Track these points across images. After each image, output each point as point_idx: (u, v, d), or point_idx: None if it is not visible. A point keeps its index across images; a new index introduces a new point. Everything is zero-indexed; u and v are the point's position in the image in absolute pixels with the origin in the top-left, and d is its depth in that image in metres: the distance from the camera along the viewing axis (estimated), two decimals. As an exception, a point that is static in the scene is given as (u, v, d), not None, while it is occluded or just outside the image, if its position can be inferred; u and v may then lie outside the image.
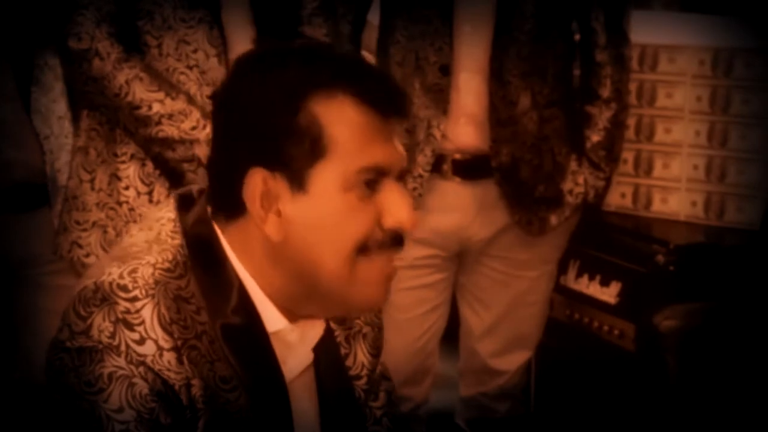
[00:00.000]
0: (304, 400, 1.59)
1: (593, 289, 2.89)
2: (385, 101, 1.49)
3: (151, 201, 2.37)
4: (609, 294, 2.85)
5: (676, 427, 2.67)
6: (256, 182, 1.46)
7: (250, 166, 1.46)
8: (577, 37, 2.78)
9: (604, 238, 2.94)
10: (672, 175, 2.98)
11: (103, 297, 1.44)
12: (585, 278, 2.92)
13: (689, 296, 2.73)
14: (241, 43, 2.37)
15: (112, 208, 2.40)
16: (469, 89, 2.63)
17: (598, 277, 2.89)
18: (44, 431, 1.47)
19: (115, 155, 2.40)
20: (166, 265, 1.48)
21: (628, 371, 2.77)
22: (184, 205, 1.55)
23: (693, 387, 2.66)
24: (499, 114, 2.63)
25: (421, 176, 2.66)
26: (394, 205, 1.49)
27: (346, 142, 1.45)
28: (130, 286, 1.44)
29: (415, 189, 2.66)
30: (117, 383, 1.40)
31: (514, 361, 2.92)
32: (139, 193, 2.39)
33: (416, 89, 2.64)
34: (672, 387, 2.68)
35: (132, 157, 2.39)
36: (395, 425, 1.75)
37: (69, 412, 1.43)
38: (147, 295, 1.44)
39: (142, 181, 2.39)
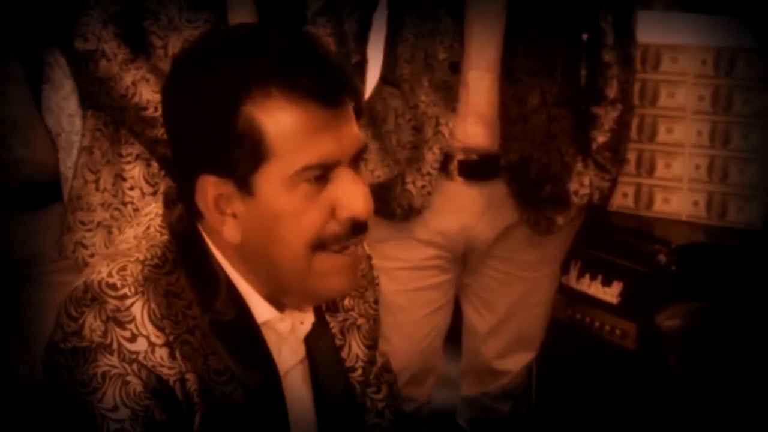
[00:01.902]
0: (299, 392, 1.60)
1: (595, 288, 2.89)
2: (325, 90, 1.43)
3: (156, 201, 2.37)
4: (611, 294, 2.85)
5: (678, 427, 2.67)
6: (207, 188, 1.46)
7: (199, 173, 1.45)
8: (585, 37, 2.77)
9: (606, 238, 2.94)
10: (674, 175, 2.98)
11: (93, 296, 1.45)
12: (587, 278, 2.92)
13: (691, 296, 2.73)
14: None
15: (116, 209, 2.40)
16: (479, 87, 2.63)
17: (599, 277, 2.89)
18: (43, 431, 1.48)
19: (120, 155, 2.40)
20: (155, 261, 1.48)
21: (629, 371, 2.77)
22: (169, 202, 1.56)
23: (695, 387, 2.65)
24: (509, 112, 2.63)
25: (430, 174, 2.66)
26: (347, 195, 1.46)
27: (286, 143, 1.42)
28: (118, 284, 1.45)
29: (424, 187, 2.66)
30: (111, 382, 1.41)
31: (517, 361, 2.92)
32: (144, 194, 2.39)
33: (424, 87, 2.64)
34: (674, 387, 2.67)
35: (137, 157, 2.39)
36: (398, 418, 1.75)
37: (65, 413, 1.44)
38: (136, 293, 1.45)
39: (147, 182, 2.39)
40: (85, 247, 2.42)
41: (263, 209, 1.45)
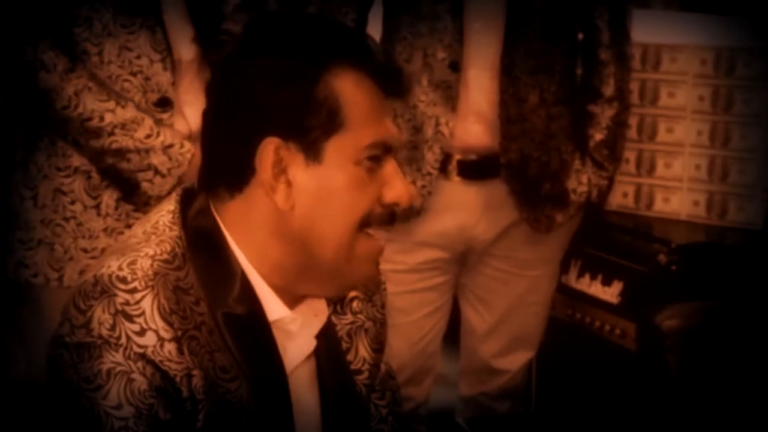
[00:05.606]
0: (305, 391, 1.61)
1: (595, 288, 2.89)
2: (390, 80, 1.54)
3: (99, 215, 2.32)
4: (611, 293, 2.85)
5: (678, 427, 2.67)
6: (269, 152, 1.48)
7: (263, 136, 1.48)
8: (581, 35, 2.78)
9: (606, 238, 2.94)
10: (674, 175, 2.99)
11: (103, 289, 1.44)
12: (587, 278, 2.92)
13: (691, 296, 2.73)
14: (181, 43, 2.34)
15: (58, 225, 2.32)
16: (479, 86, 2.63)
17: (599, 277, 2.89)
18: (45, 428, 1.48)
19: (58, 169, 2.32)
20: (165, 256, 1.48)
21: (629, 371, 2.77)
22: (187, 198, 1.56)
23: (694, 386, 2.65)
24: (509, 111, 2.63)
25: (430, 174, 2.65)
26: (394, 181, 1.53)
27: (359, 117, 1.49)
28: (129, 278, 1.45)
29: (424, 186, 2.65)
30: (115, 379, 1.41)
31: (515, 361, 2.92)
32: (86, 207, 2.31)
33: (424, 86, 2.64)
34: (673, 386, 2.67)
35: (76, 170, 2.31)
36: (399, 424, 1.76)
37: (68, 409, 1.44)
38: (146, 287, 1.44)
39: (89, 194, 2.31)
40: (26, 267, 2.34)
41: (327, 177, 1.49)
